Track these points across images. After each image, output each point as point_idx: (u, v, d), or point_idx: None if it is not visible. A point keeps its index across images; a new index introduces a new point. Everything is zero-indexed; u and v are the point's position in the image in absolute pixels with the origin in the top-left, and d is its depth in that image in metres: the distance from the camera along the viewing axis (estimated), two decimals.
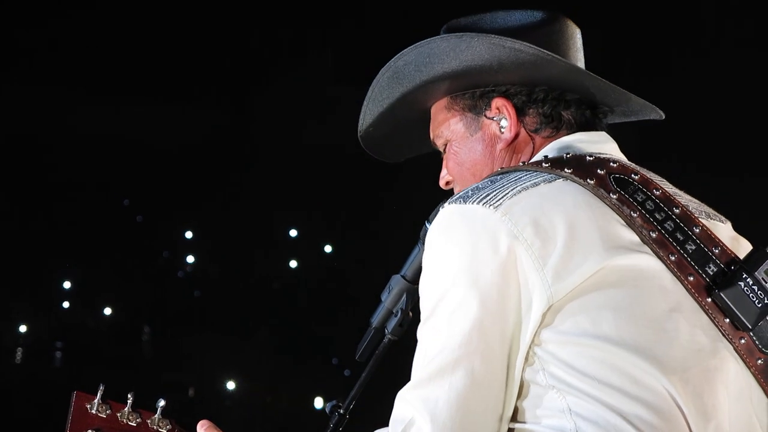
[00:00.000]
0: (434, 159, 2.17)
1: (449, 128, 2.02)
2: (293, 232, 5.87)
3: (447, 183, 2.08)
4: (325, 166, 5.56)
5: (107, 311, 5.68)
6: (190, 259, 5.81)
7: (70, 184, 5.51)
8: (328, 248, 5.84)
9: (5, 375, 5.45)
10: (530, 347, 1.68)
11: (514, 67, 1.92)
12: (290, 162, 5.63)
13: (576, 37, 2.03)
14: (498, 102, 1.97)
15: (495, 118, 1.97)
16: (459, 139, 2.01)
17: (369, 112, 2.11)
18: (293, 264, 5.86)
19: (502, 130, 1.97)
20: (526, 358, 1.68)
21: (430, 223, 1.83)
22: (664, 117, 2.07)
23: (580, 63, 2.03)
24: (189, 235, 5.83)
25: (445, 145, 2.05)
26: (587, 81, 1.95)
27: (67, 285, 5.67)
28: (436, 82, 1.99)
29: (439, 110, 2.05)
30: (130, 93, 5.48)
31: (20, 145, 5.46)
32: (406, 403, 1.69)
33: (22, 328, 5.59)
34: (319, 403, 5.48)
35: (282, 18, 5.37)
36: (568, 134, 1.95)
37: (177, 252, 5.82)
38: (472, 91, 1.99)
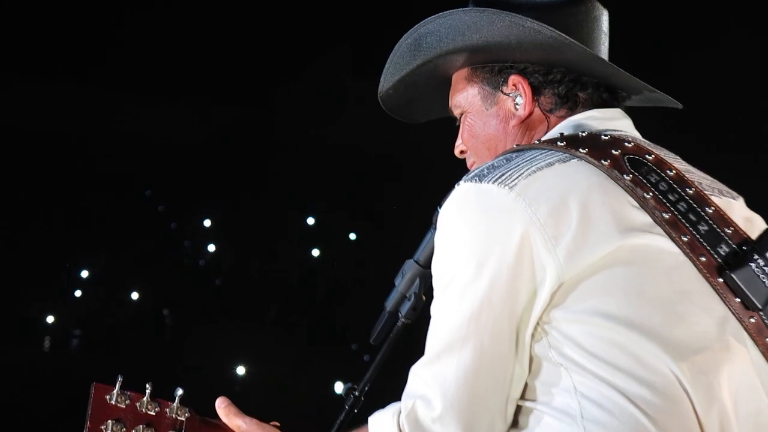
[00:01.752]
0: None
1: (467, 99, 2.03)
2: (312, 222, 5.89)
3: (461, 152, 2.09)
4: (342, 158, 5.58)
5: (131, 298, 5.72)
6: (211, 248, 5.84)
7: (95, 175, 5.56)
8: (346, 237, 5.86)
9: (33, 363, 5.50)
10: (539, 325, 1.69)
11: (532, 46, 1.92)
12: (308, 153, 5.65)
13: (602, 19, 2.02)
14: (515, 79, 1.97)
15: (511, 95, 1.98)
16: (475, 111, 2.02)
17: (389, 76, 2.11)
18: (312, 252, 5.88)
19: (517, 107, 1.97)
20: (533, 336, 1.69)
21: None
22: (681, 107, 2.06)
23: (604, 46, 2.02)
24: (209, 224, 5.86)
25: (462, 114, 2.05)
26: (604, 68, 1.94)
27: (89, 274, 5.72)
28: (456, 54, 1.99)
29: (459, 80, 2.05)
30: (151, 88, 5.52)
31: (45, 139, 5.50)
32: (418, 378, 1.71)
33: (49, 319, 5.64)
34: (338, 387, 5.50)
35: (302, 13, 5.38)
36: (583, 112, 1.94)
37: (198, 241, 5.86)
38: (492, 65, 1.99)
